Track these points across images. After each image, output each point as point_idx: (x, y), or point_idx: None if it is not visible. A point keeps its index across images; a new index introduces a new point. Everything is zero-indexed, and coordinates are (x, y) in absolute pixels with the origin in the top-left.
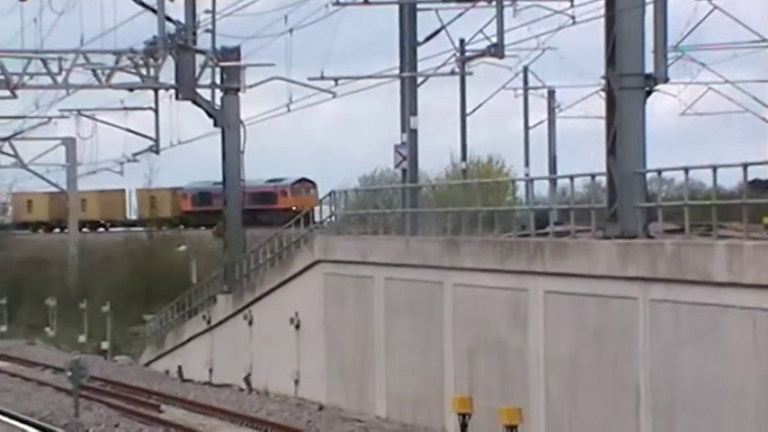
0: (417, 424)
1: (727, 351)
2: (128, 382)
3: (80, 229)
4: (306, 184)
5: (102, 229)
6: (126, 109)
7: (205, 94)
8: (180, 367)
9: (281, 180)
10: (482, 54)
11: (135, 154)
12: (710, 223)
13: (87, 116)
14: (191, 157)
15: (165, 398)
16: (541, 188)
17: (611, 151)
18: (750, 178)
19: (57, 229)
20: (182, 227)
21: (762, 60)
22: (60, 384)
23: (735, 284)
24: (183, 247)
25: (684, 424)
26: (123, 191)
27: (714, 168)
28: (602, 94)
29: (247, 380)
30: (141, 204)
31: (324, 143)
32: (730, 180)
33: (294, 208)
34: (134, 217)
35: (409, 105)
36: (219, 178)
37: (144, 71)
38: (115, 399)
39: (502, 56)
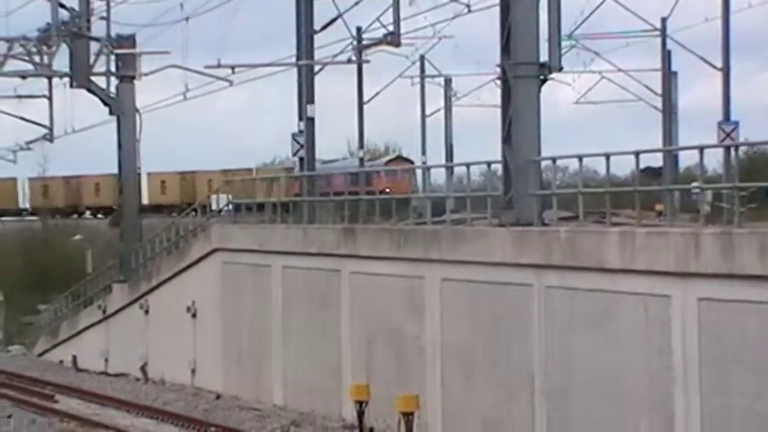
0: (315, 412)
1: (620, 337)
2: (21, 372)
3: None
4: (401, 163)
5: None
6: (19, 97)
7: (100, 81)
8: (74, 357)
9: (375, 159)
10: (379, 42)
11: (28, 142)
12: (604, 210)
13: None
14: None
15: (59, 388)
16: (438, 176)
17: (507, 139)
18: (642, 166)
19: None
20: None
21: (653, 49)
22: None
23: (627, 271)
24: (78, 237)
25: (578, 408)
26: (250, 171)
27: (607, 156)
28: (498, 82)
29: (143, 369)
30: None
31: (224, 131)
32: (623, 168)
33: (388, 190)
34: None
35: (306, 93)
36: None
37: (37, 58)
38: (8, 389)
39: (398, 44)
